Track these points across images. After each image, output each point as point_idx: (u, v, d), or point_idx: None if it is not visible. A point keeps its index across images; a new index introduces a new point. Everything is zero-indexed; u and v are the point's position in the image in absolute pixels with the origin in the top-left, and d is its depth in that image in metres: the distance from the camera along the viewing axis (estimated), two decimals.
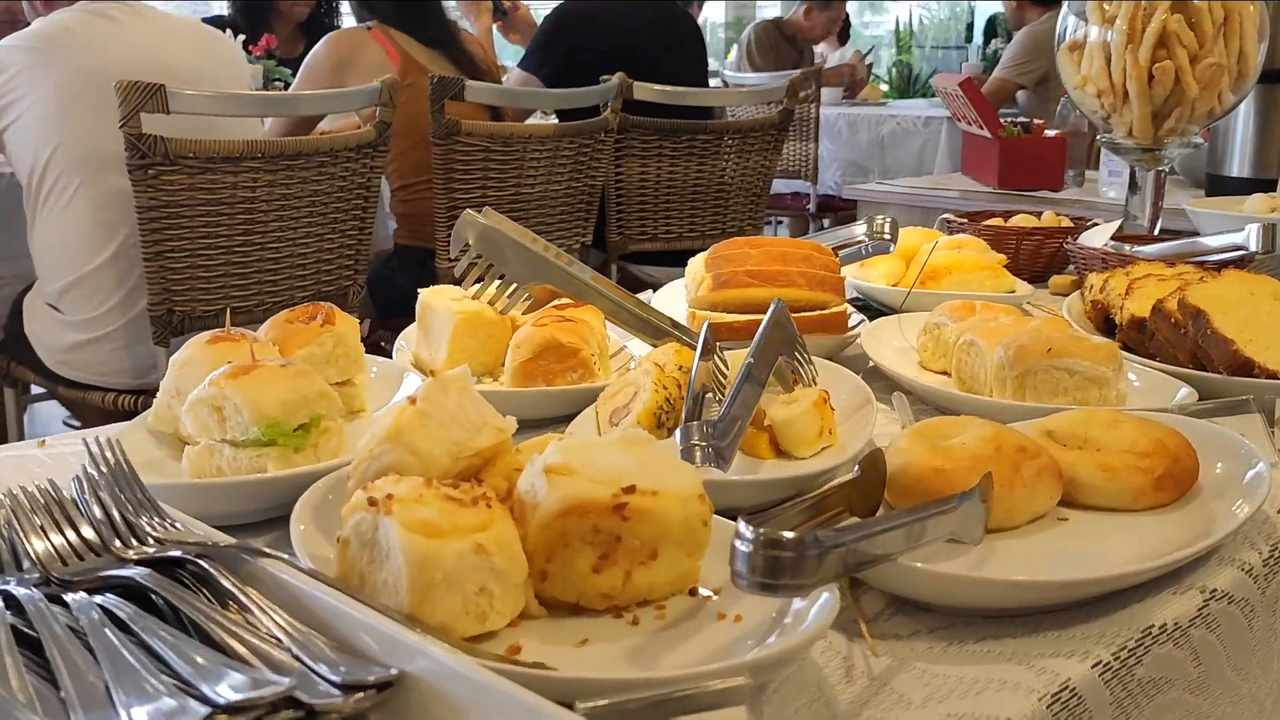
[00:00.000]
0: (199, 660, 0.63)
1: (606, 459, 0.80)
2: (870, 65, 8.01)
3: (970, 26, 11.81)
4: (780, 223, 6.47)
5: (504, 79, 4.25)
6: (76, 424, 3.62)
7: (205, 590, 0.74)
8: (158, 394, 1.12)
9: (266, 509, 0.98)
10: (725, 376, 1.18)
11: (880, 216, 1.66)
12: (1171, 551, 0.89)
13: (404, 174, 3.59)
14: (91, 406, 2.96)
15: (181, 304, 2.75)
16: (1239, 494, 0.97)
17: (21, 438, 3.36)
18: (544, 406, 1.24)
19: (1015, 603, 0.84)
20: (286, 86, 4.22)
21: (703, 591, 0.83)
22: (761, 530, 0.69)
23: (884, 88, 8.78)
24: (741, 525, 0.70)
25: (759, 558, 0.69)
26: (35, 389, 3.40)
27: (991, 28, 9.43)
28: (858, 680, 0.77)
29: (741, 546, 0.69)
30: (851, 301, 1.74)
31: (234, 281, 2.83)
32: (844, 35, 8.12)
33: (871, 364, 1.39)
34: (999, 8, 8.94)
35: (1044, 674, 0.77)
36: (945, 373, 1.38)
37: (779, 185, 5.81)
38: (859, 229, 1.68)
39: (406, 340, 1.41)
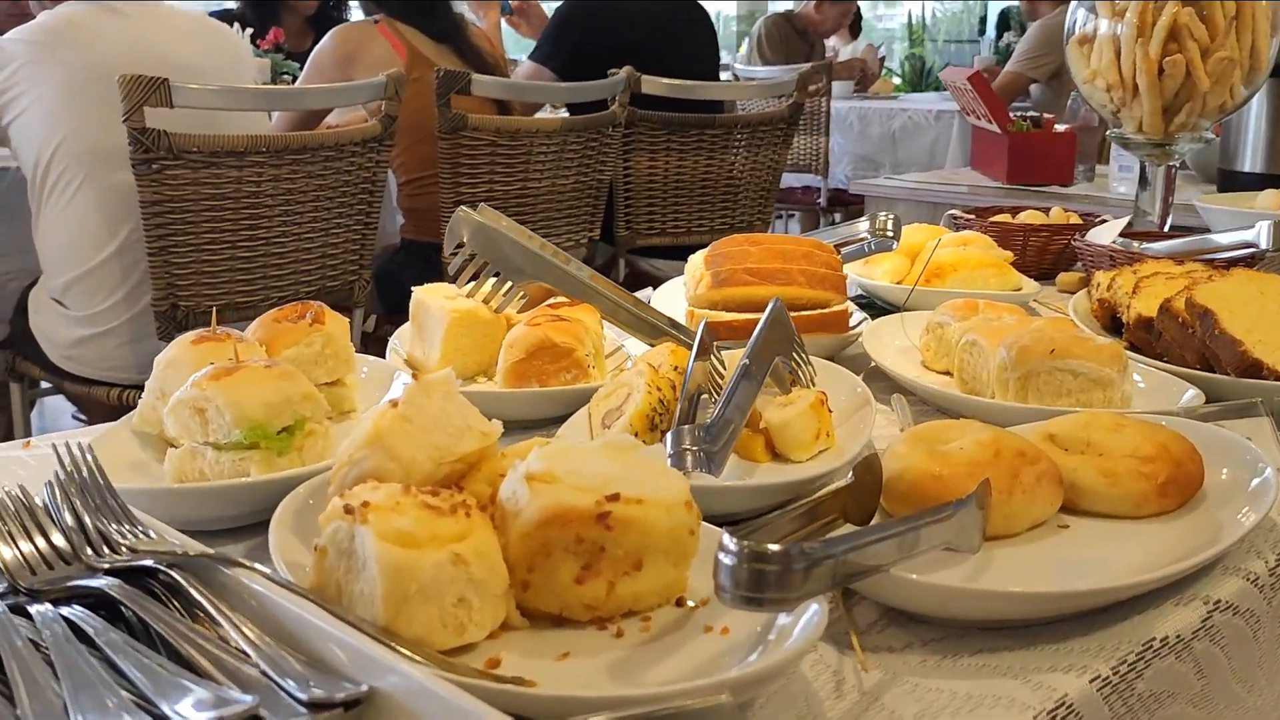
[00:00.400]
0: (162, 677, 0.61)
1: (591, 465, 0.78)
2: (882, 59, 7.97)
3: (983, 20, 11.73)
4: (791, 216, 6.44)
5: (514, 72, 4.23)
6: (84, 419, 3.62)
7: (176, 601, 0.72)
8: (143, 394, 1.10)
9: (248, 514, 0.96)
10: (722, 377, 1.16)
11: (883, 213, 1.64)
12: (1174, 561, 0.86)
13: (410, 168, 3.57)
14: (97, 402, 2.95)
15: (186, 299, 2.73)
16: (1245, 501, 0.95)
17: (28, 432, 3.36)
18: (536, 408, 1.21)
19: (1012, 615, 0.82)
20: (294, 80, 4.20)
21: (690, 602, 0.81)
22: (746, 543, 0.67)
23: (896, 81, 8.72)
24: (726, 537, 0.68)
25: (743, 571, 0.67)
26: (45, 383, 3.39)
27: (1004, 21, 9.37)
28: (848, 695, 0.75)
29: (725, 560, 0.67)
30: (855, 299, 1.72)
31: (238, 277, 2.81)
32: (855, 29, 8.08)
33: (873, 364, 1.37)
34: (1012, 1, 8.89)
35: (1040, 689, 0.75)
36: (948, 373, 1.35)
37: (789, 179, 5.78)
38: (862, 226, 1.65)
39: (400, 340, 1.39)
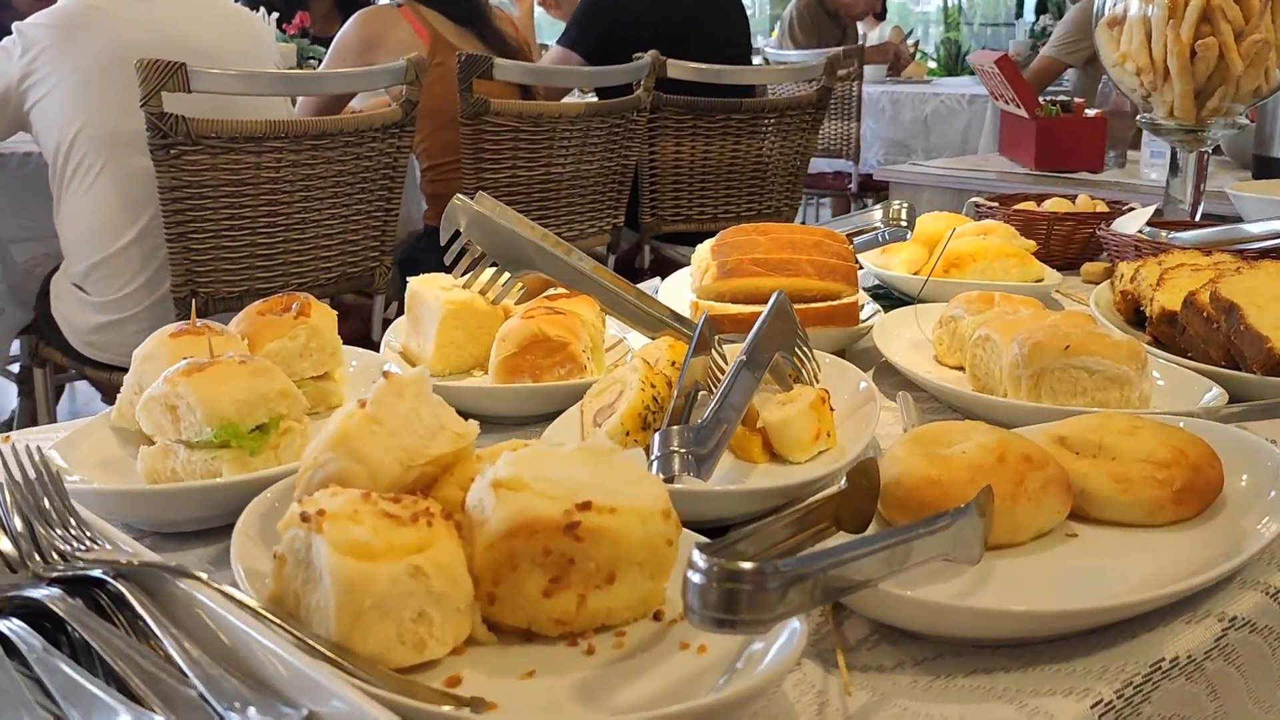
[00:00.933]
0: (88, 699, 0.58)
1: (562, 471, 0.74)
2: (915, 44, 7.87)
3: (1020, 3, 11.57)
4: (822, 202, 6.37)
5: (543, 56, 4.18)
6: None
7: (121, 614, 0.69)
8: (121, 389, 1.07)
9: (220, 515, 0.92)
10: (723, 373, 1.12)
11: (897, 202, 1.58)
12: (1189, 574, 0.81)
13: (433, 154, 3.53)
14: (117, 388, 2.93)
15: (205, 286, 2.71)
16: (1265, 509, 0.89)
17: (52, 418, 3.36)
18: (527, 404, 1.17)
19: (1009, 634, 0.77)
20: (320, 66, 4.17)
21: (670, 616, 0.76)
22: (716, 560, 0.62)
23: (931, 65, 8.60)
24: (695, 554, 0.63)
25: (713, 592, 0.62)
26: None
27: (1042, 4, 9.23)
28: (830, 719, 0.70)
29: (694, 578, 0.63)
30: (872, 290, 1.67)
31: (258, 263, 2.79)
32: (881, 12, 7.97)
33: (884, 359, 1.32)
34: None
35: (1036, 715, 0.70)
36: (962, 368, 1.30)
37: (820, 164, 5.71)
38: (876, 215, 1.60)
39: (395, 333, 1.36)
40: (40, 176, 2.93)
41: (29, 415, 3.47)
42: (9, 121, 2.80)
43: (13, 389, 3.79)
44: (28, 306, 3.19)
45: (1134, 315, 1.46)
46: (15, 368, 3.70)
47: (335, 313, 1.19)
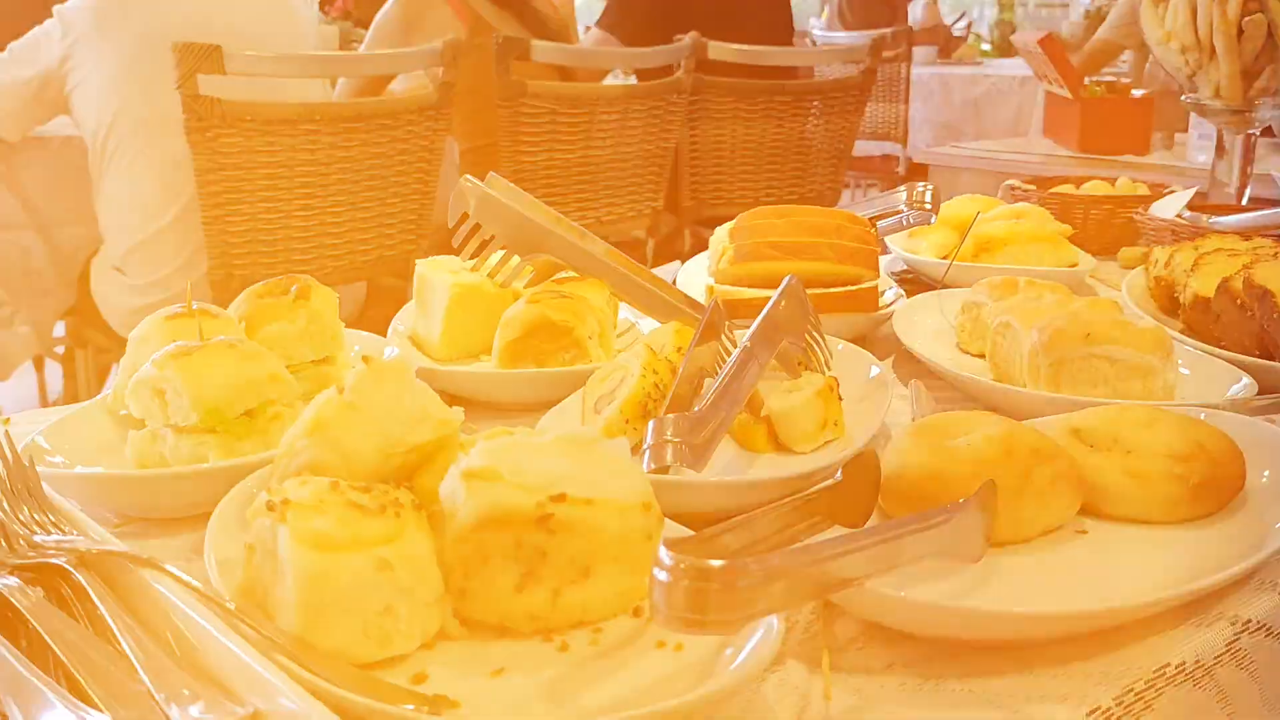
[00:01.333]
0: (32, 693, 0.56)
1: (539, 462, 0.71)
2: (969, 25, 7.74)
3: None
4: (871, 185, 6.29)
5: (584, 38, 4.14)
6: None
7: (83, 605, 0.67)
8: (118, 372, 1.05)
9: (205, 502, 0.89)
10: None
11: (921, 184, 1.54)
12: (1205, 573, 0.77)
13: (472, 136, 3.51)
14: None
15: (241, 268, 2.71)
16: None
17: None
18: (529, 390, 1.14)
19: (1004, 636, 0.73)
20: None
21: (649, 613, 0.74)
22: (683, 558, 0.60)
23: (985, 47, 8.46)
24: (662, 550, 0.60)
25: (680, 591, 0.59)
26: None
27: None
28: None
29: (661, 576, 0.60)
30: (900, 275, 1.63)
31: (295, 245, 2.78)
32: None
33: (904, 345, 1.28)
34: None
35: None
36: (985, 356, 1.26)
37: (868, 147, 5.63)
38: (900, 197, 1.55)
39: (403, 321, 1.33)
40: (81, 160, 2.95)
41: (71, 397, 3.50)
42: (50, 105, 2.81)
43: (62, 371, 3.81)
44: (70, 288, 3.22)
45: (1168, 302, 1.41)
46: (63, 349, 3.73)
47: (337, 295, 1.16)
